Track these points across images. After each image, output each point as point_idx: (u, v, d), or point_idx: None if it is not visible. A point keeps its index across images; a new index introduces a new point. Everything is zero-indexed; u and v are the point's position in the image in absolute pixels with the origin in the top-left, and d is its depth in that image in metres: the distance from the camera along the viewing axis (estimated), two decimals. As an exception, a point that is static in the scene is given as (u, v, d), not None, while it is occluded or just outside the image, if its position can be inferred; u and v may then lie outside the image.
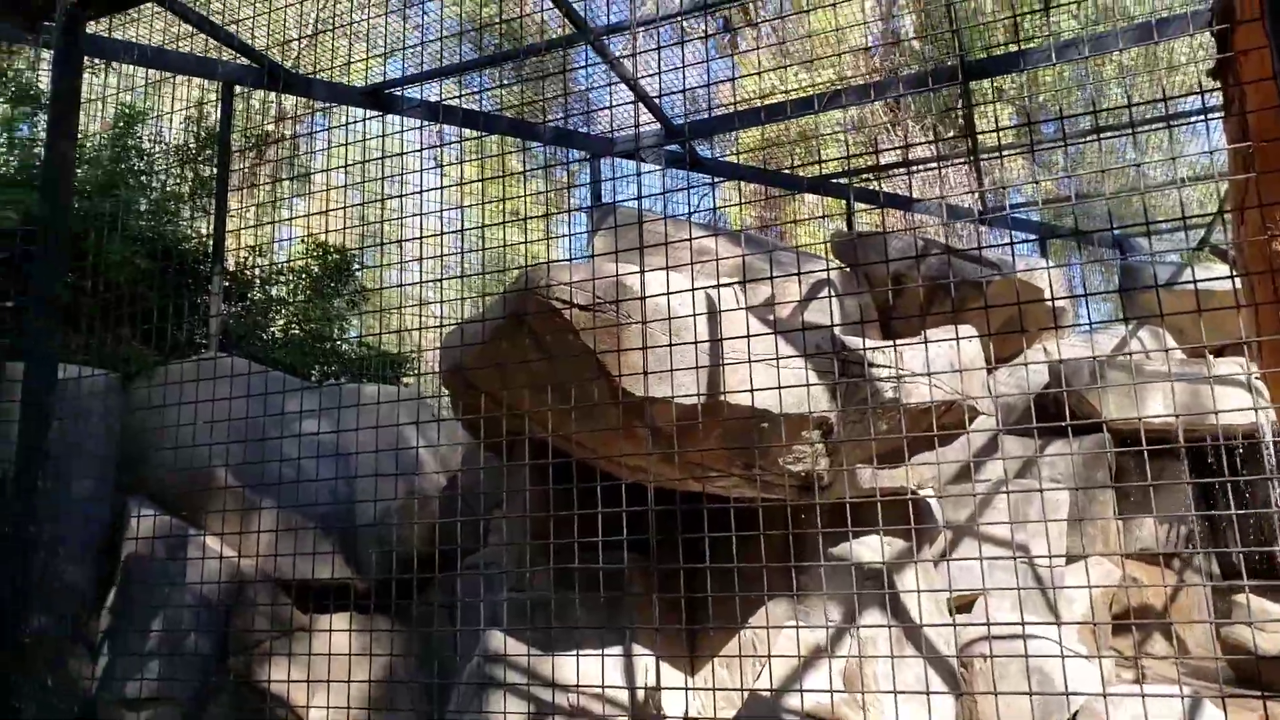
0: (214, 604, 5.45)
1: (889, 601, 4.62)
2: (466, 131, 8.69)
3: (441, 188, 4.82)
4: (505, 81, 8.65)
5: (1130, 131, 6.67)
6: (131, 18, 6.98)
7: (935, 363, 4.29)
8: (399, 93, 8.20)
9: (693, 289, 4.01)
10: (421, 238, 4.25)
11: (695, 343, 3.97)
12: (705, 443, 4.12)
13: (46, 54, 8.69)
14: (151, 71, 8.28)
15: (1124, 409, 5.68)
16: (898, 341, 4.42)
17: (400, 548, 5.74)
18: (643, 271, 3.97)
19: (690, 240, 4.22)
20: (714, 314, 4.16)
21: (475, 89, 8.64)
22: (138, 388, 6.28)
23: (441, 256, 4.60)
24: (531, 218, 4.32)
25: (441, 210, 7.31)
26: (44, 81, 8.52)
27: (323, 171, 7.74)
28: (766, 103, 7.89)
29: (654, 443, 4.17)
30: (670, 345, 3.87)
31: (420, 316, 7.95)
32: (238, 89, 7.85)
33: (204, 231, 7.69)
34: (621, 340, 3.98)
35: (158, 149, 8.63)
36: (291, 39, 7.96)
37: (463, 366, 4.73)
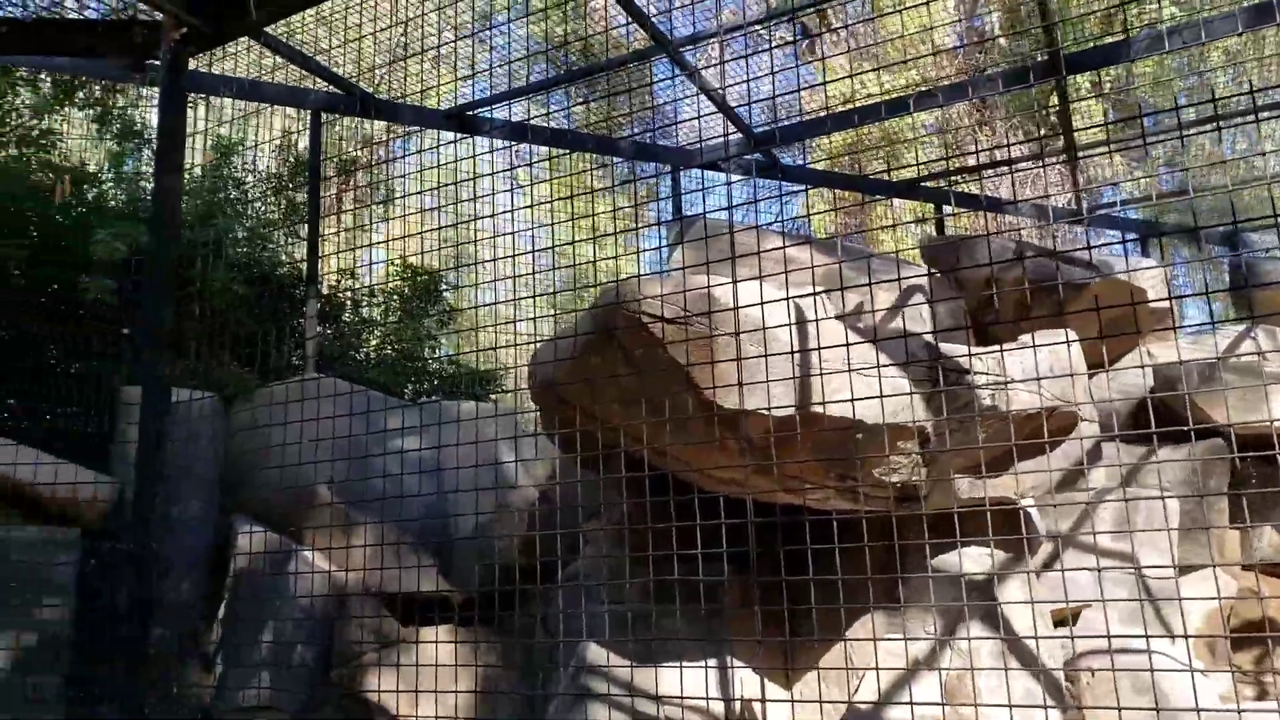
0: (318, 617, 5.59)
1: (991, 614, 4.48)
2: (545, 150, 8.78)
3: (530, 206, 4.87)
4: (585, 98, 8.73)
5: (1242, 122, 6.37)
6: (227, 52, 7.26)
7: (1038, 368, 4.16)
8: (481, 114, 8.34)
9: (787, 298, 3.97)
10: (512, 257, 4.30)
11: (791, 353, 3.92)
12: (799, 455, 4.07)
13: (147, 90, 9.12)
14: (239, 103, 8.60)
15: (1246, 412, 5.41)
16: (1000, 347, 4.30)
17: (496, 561, 5.81)
18: (735, 282, 3.94)
19: (783, 249, 4.18)
20: (805, 323, 4.11)
21: (553, 108, 8.74)
22: (238, 410, 6.50)
23: (530, 273, 4.65)
24: (620, 232, 4.34)
25: (530, 230, 7.39)
26: (146, 117, 8.93)
27: (412, 195, 7.90)
28: (850, 107, 7.80)
29: (747, 455, 4.13)
30: (765, 355, 3.83)
31: (513, 334, 8.05)
32: (326, 117, 8.08)
33: (298, 256, 7.93)
34: (712, 352, 3.96)
35: (252, 179, 8.95)
36: (379, 65, 8.17)
37: (553, 382, 4.76)
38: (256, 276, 7.32)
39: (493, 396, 8.50)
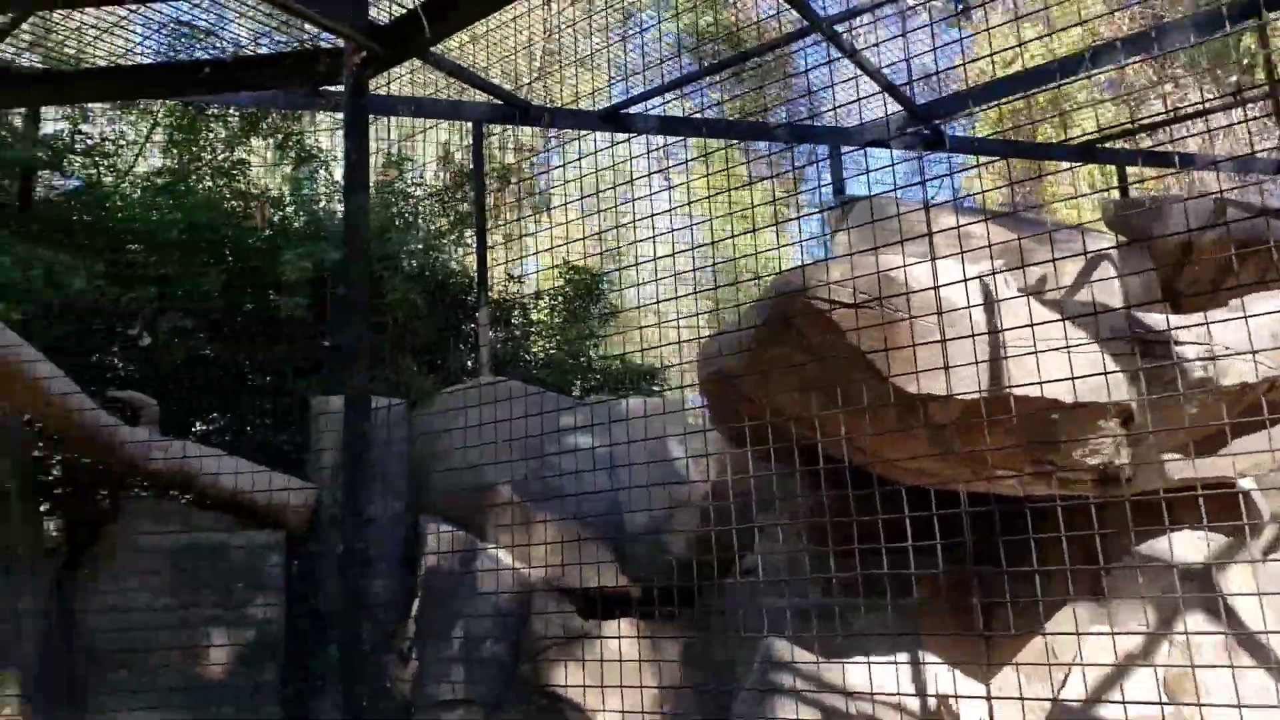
0: (506, 612, 5.79)
1: (1210, 605, 4.14)
2: (694, 144, 8.79)
3: (687, 202, 4.86)
4: (732, 87, 8.68)
5: None
6: (391, 75, 7.59)
7: (1251, 337, 3.81)
8: (633, 112, 8.42)
9: (965, 279, 3.80)
10: (672, 255, 4.29)
11: (978, 334, 3.75)
12: (990, 439, 3.89)
13: (320, 115, 9.66)
14: (403, 120, 8.99)
15: None
16: (1205, 315, 3.97)
17: (673, 555, 5.84)
18: (908, 265, 3.80)
19: (958, 227, 4.00)
20: (993, 303, 3.92)
21: (700, 100, 8.73)
22: (421, 414, 6.80)
23: (681, 269, 4.63)
24: (787, 220, 4.26)
25: (684, 224, 7.40)
26: (322, 141, 9.47)
27: (569, 197, 8.05)
28: (1012, 72, 7.41)
29: (933, 442, 3.98)
30: (944, 339, 3.68)
31: (676, 328, 8.08)
32: (486, 127, 8.33)
33: (468, 264, 8.22)
34: (893, 337, 3.84)
35: (420, 191, 9.35)
36: (532, 74, 8.38)
37: (725, 374, 4.73)
38: (431, 286, 7.64)
39: (659, 390, 8.57)
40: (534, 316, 9.02)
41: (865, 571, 3.89)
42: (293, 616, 6.00)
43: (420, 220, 8.79)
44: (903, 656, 4.43)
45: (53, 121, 7.54)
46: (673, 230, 5.70)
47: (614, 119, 8.29)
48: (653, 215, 4.65)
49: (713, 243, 5.20)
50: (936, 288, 3.75)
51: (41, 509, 6.52)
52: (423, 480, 6.48)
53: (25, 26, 5.48)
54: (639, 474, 5.30)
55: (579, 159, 6.78)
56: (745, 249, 6.27)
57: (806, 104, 9.11)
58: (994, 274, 3.97)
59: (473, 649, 5.65)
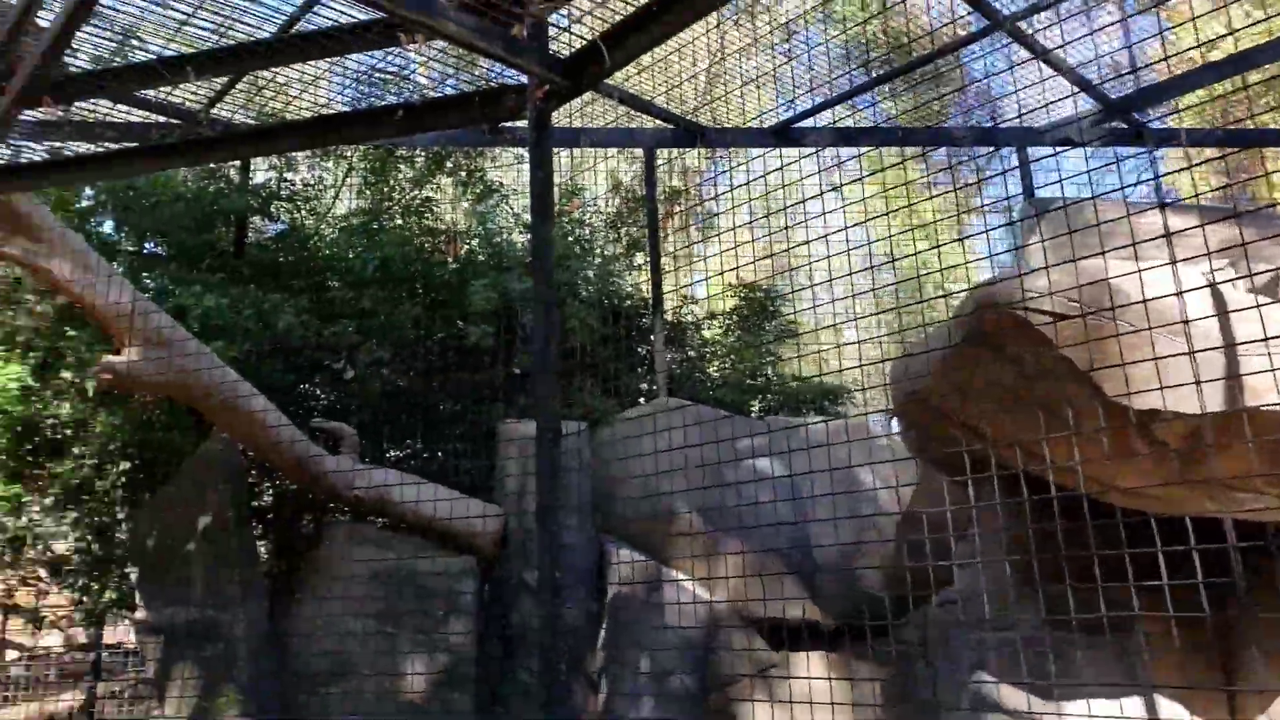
0: (693, 641, 5.72)
1: None
2: (867, 156, 8.54)
3: (866, 218, 4.68)
4: (905, 95, 8.39)
5: None
6: (571, 108, 7.76)
7: None
8: (803, 127, 8.29)
9: (1189, 289, 3.45)
10: (849, 273, 4.12)
11: (1211, 349, 3.39)
12: (1227, 459, 3.50)
13: (499, 150, 10.00)
14: (569, 149, 9.17)
15: None
16: None
17: (865, 587, 5.62)
18: (1128, 271, 3.49)
19: (1168, 234, 3.64)
20: (1223, 310, 3.55)
21: (872, 111, 8.49)
22: (601, 437, 6.86)
23: (861, 284, 4.44)
24: (974, 234, 4.00)
25: (861, 238, 7.17)
26: (501, 175, 9.80)
27: (737, 218, 7.99)
28: (1214, 57, 6.79)
29: (1158, 464, 3.63)
30: (1185, 353, 3.34)
31: (857, 345, 7.86)
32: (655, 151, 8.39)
33: (642, 287, 8.27)
34: (1109, 351, 3.53)
35: (595, 218, 9.52)
36: (699, 95, 8.37)
37: (920, 394, 4.51)
38: (608, 310, 7.73)
39: (841, 410, 8.34)
40: (708, 336, 8.98)
41: (1110, 614, 3.57)
42: (484, 641, 6.14)
43: (595, 246, 8.94)
44: (1130, 701, 4.05)
45: (262, 172, 8.14)
46: (851, 246, 5.51)
47: (784, 135, 8.18)
48: (826, 234, 4.49)
49: (893, 260, 5.00)
50: (1144, 300, 3.43)
51: (255, 534, 6.98)
52: (606, 504, 6.52)
53: (239, 87, 5.94)
54: (826, 499, 5.12)
55: (749, 181, 6.69)
56: (927, 262, 6.01)
57: (986, 107, 8.69)
58: (1231, 279, 3.60)
59: (661, 678, 5.60)
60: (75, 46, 4.80)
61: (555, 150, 8.93)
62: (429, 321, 7.59)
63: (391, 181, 8.78)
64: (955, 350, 4.09)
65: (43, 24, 4.09)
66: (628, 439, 6.31)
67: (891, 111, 9.12)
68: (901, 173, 8.61)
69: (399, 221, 8.62)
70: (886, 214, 4.61)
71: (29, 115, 5.21)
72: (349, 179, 9.18)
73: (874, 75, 8.06)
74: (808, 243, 4.52)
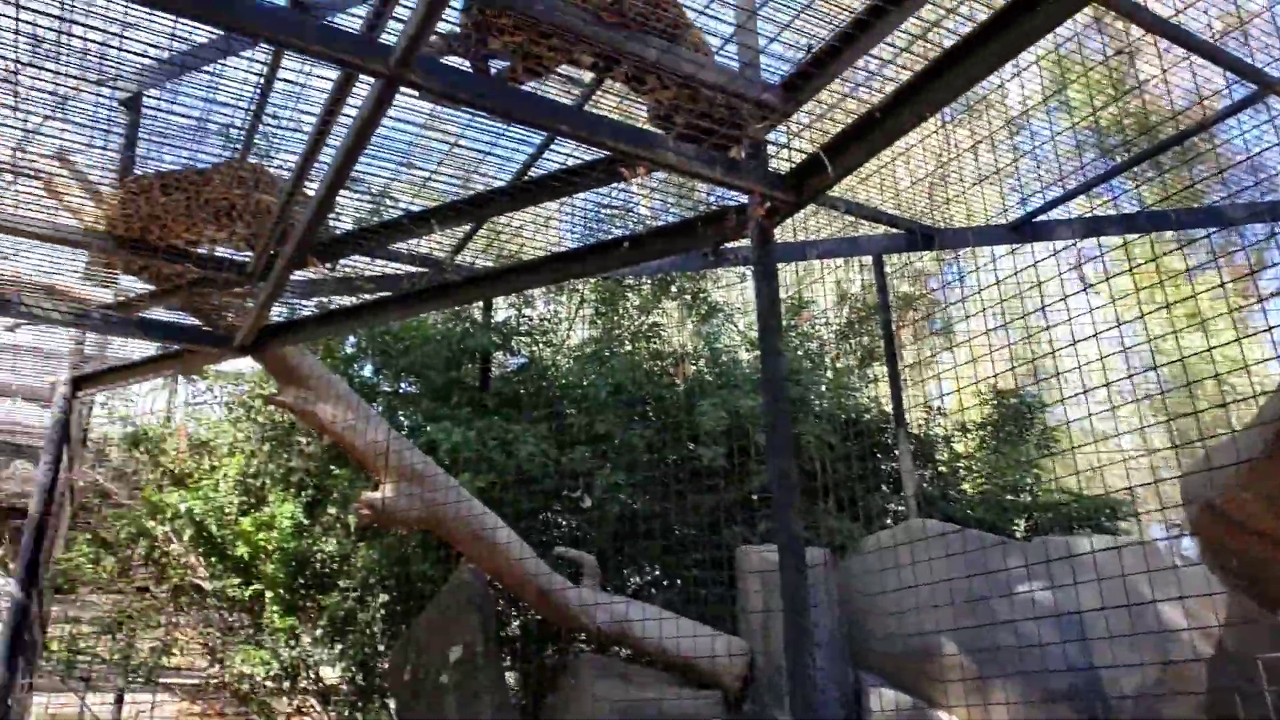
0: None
1: None
2: (1108, 243, 7.91)
3: (1131, 318, 4.16)
4: (1154, 178, 7.69)
5: None
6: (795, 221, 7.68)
7: None
8: (1043, 220, 7.76)
9: None
10: (1128, 376, 3.63)
11: None
12: None
13: (720, 271, 10.06)
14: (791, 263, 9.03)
15: None
16: None
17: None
18: None
19: None
20: None
21: (1114, 196, 7.85)
22: (847, 562, 6.44)
23: (1128, 388, 3.89)
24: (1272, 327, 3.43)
25: (1121, 334, 6.47)
26: (725, 295, 9.83)
27: (988, 328, 7.49)
28: None
29: None
30: None
31: (1116, 449, 7.06)
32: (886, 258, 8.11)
33: (880, 399, 7.88)
34: None
35: (824, 330, 9.27)
36: (929, 200, 8.05)
37: (1220, 507, 3.87)
38: (844, 424, 7.39)
39: (1121, 527, 7.43)
40: (959, 449, 8.37)
41: None
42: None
43: (827, 359, 8.67)
44: None
45: (503, 310, 8.61)
46: (1122, 348, 4.95)
47: (1026, 230, 7.70)
48: (1096, 332, 4.02)
49: (1179, 360, 4.41)
50: None
51: (504, 664, 7.03)
52: (856, 635, 6.05)
53: (479, 233, 6.32)
54: (1106, 626, 4.46)
55: (999, 281, 6.25)
56: (1205, 359, 5.28)
57: (1251, 178, 7.81)
58: None
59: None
60: (337, 211, 5.27)
61: (780, 265, 8.86)
62: (661, 444, 7.57)
63: (620, 310, 9.01)
64: (1265, 457, 3.48)
65: (309, 192, 4.51)
66: (878, 563, 5.87)
67: (1143, 196, 8.38)
68: (1163, 261, 7.80)
69: (628, 347, 8.78)
70: (1164, 306, 4.08)
71: (299, 275, 5.76)
72: (581, 310, 9.51)
73: (1120, 160, 7.47)
74: (1074, 343, 4.07)
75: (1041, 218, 7.72)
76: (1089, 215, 7.93)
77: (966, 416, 8.53)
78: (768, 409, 3.84)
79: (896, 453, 7.38)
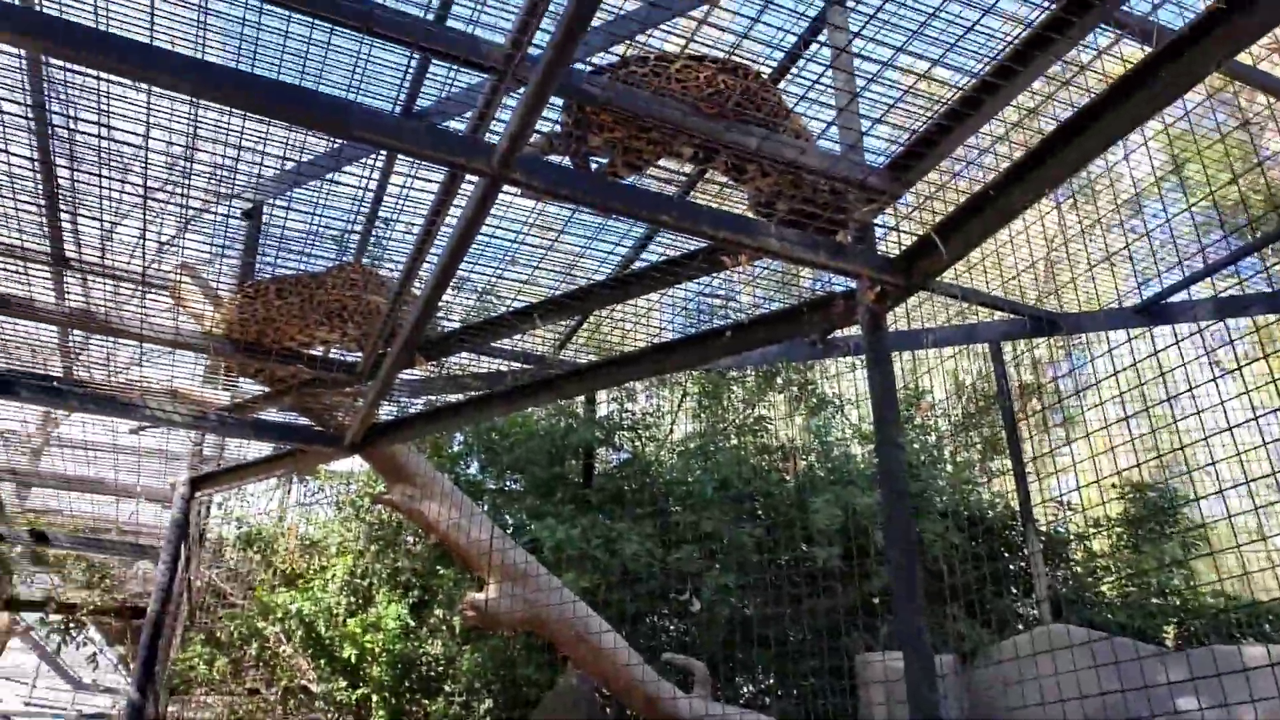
0: None
1: None
2: (1249, 324, 7.41)
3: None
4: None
5: None
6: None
7: None
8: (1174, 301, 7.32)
9: None
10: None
11: None
12: None
13: (828, 361, 9.81)
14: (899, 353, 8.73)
15: None
16: None
17: None
18: None
19: None
20: None
21: (1241, 274, 7.38)
22: (976, 667, 5.97)
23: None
24: None
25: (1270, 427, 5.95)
26: (833, 387, 9.56)
27: (1130, 414, 7.03)
28: None
29: None
30: None
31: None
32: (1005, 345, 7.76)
33: (1005, 494, 7.44)
34: None
35: (941, 423, 8.89)
36: (1047, 283, 7.73)
37: None
38: (966, 522, 6.97)
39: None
40: (1095, 547, 7.77)
41: None
42: None
43: (945, 453, 8.27)
44: None
45: (605, 405, 8.55)
46: (1228, 424, 4.52)
47: (1151, 312, 7.27)
48: (1221, 419, 3.67)
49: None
50: None
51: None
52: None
53: (582, 328, 6.31)
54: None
55: (1134, 363, 5.87)
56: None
57: None
58: None
59: None
60: (443, 310, 5.34)
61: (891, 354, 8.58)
62: (772, 543, 7.27)
63: (725, 402, 8.84)
64: None
65: (416, 293, 4.57)
66: (1022, 680, 5.40)
67: (1274, 275, 7.85)
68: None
69: (734, 441, 8.58)
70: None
71: (407, 374, 5.83)
72: (684, 404, 9.39)
73: (1253, 239, 7.02)
74: (1227, 430, 3.73)
75: (1174, 298, 7.29)
76: (1225, 295, 7.45)
77: (1098, 512, 7.95)
78: (886, 502, 3.61)
79: (1025, 552, 6.90)
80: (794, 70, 4.48)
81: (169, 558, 6.74)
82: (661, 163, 4.22)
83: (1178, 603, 7.02)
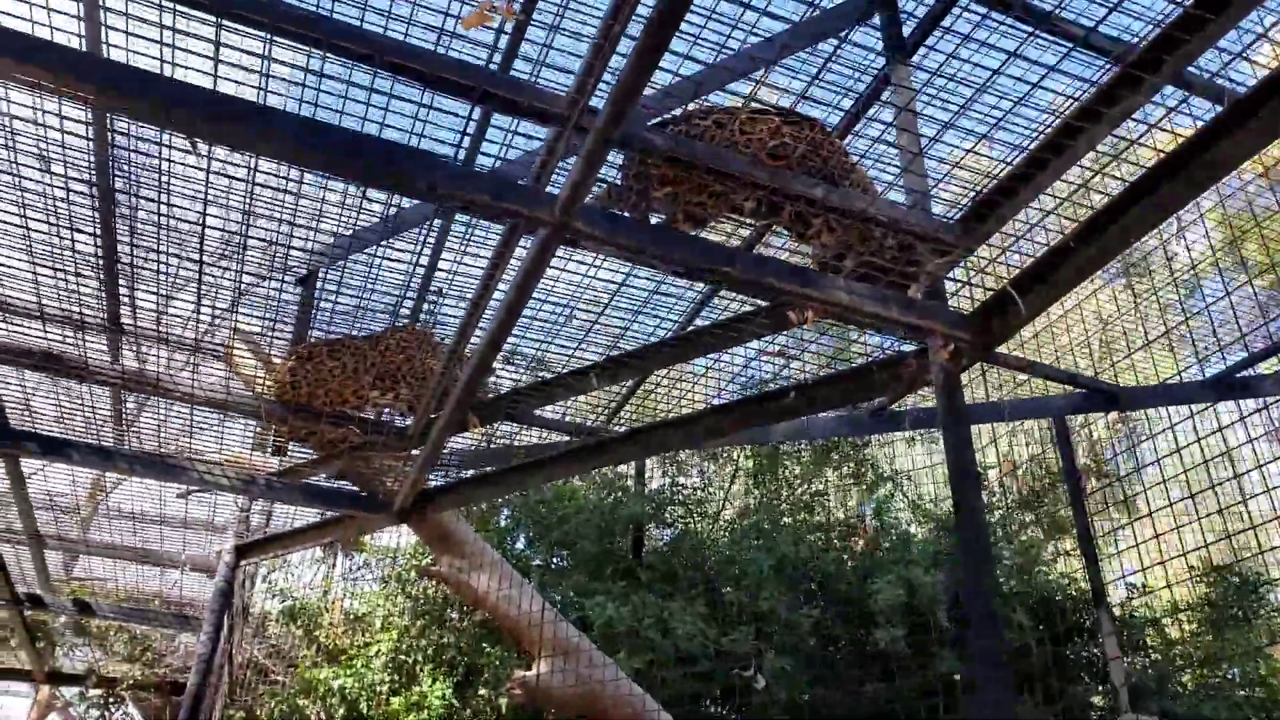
0: None
1: None
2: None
3: None
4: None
5: None
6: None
7: None
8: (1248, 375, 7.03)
9: None
10: None
11: None
12: None
13: (884, 435, 9.55)
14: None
15: None
16: None
17: None
18: None
19: None
20: None
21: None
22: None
23: None
24: None
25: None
26: (893, 462, 9.29)
27: (1198, 495, 6.70)
28: None
29: None
30: None
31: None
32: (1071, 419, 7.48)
33: (1072, 574, 7.09)
34: None
35: (1006, 500, 8.56)
36: (1110, 355, 7.49)
37: None
38: (1034, 604, 6.61)
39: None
40: (1172, 635, 7.32)
41: None
42: None
43: (1009, 532, 7.92)
44: None
45: (656, 479, 8.35)
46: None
47: (1226, 386, 6.97)
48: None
49: None
50: None
51: None
52: None
53: (633, 398, 6.18)
54: None
55: (1201, 437, 5.60)
56: None
57: None
58: None
59: None
60: (496, 376, 5.26)
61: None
62: (829, 624, 6.94)
63: (780, 477, 8.59)
64: None
65: (469, 354, 4.49)
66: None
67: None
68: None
69: (789, 519, 8.30)
70: None
71: (457, 443, 5.72)
72: (736, 478, 9.15)
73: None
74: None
75: (1245, 373, 6.99)
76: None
77: (1166, 595, 7.52)
78: (968, 574, 3.36)
79: (1099, 637, 6.52)
80: (856, 127, 4.43)
81: (211, 627, 6.58)
82: (722, 222, 4.15)
83: (1263, 695, 6.55)
